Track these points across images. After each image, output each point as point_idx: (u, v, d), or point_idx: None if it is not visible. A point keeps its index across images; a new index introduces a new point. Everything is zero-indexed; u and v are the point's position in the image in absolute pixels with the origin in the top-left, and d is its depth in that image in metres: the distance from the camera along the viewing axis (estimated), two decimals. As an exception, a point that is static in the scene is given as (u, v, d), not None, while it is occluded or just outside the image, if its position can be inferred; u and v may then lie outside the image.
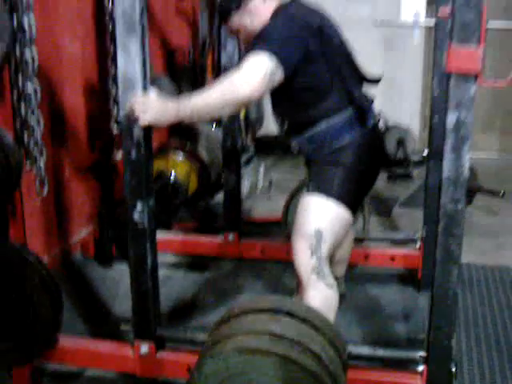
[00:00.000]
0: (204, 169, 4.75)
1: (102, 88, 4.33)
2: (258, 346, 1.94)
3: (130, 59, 2.31)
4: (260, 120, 6.82)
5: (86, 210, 4.30)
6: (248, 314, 2.11)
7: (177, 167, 4.54)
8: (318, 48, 2.57)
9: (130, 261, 2.55)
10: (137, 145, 2.38)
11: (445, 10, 3.19)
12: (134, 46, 2.29)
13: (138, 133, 2.37)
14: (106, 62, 4.22)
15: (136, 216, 2.46)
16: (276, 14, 2.65)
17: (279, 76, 2.44)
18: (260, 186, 5.64)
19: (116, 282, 3.79)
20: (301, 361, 1.91)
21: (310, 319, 2.08)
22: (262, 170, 5.77)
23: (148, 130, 2.40)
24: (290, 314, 2.06)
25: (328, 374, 1.95)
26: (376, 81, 2.83)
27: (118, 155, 4.52)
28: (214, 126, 5.04)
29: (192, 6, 6.04)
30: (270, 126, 6.88)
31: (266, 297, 2.30)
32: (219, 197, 5.08)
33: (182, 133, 4.76)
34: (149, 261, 2.51)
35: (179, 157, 4.61)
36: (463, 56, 1.98)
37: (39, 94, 2.87)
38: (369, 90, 2.84)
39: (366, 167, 2.72)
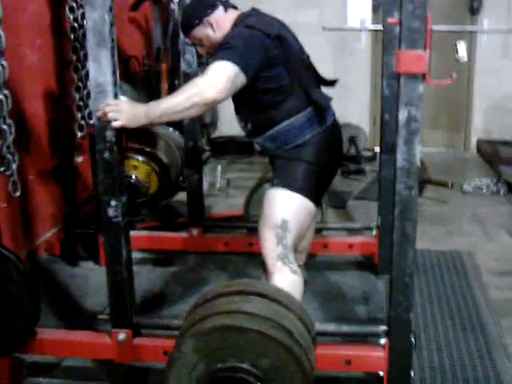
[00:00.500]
0: (164, 169, 4.84)
1: (62, 95, 4.44)
2: (234, 323, 2.09)
3: (101, 69, 2.44)
4: (214, 122, 6.96)
5: (50, 212, 4.39)
6: (222, 297, 2.24)
7: (137, 169, 4.63)
8: (278, 53, 2.75)
9: (105, 253, 2.68)
10: (110, 146, 2.52)
11: (392, 18, 3.38)
12: (105, 57, 2.43)
13: (110, 135, 2.50)
14: (65, 70, 4.32)
15: (110, 212, 2.59)
16: (237, 24, 2.83)
17: (241, 80, 2.62)
18: (218, 185, 5.77)
19: (84, 279, 3.92)
20: (274, 335, 2.06)
21: (280, 298, 2.23)
22: (219, 169, 5.88)
23: (120, 132, 2.53)
24: (260, 295, 2.21)
25: (300, 347, 2.10)
26: (332, 83, 3.03)
27: (79, 158, 4.64)
28: (172, 128, 5.15)
29: (144, 15, 6.15)
30: (224, 127, 7.06)
31: (237, 280, 2.44)
32: (179, 196, 5.24)
33: (141, 136, 4.86)
34: (123, 252, 2.64)
35: (139, 159, 4.72)
36: (411, 59, 2.17)
37: (10, 101, 2.98)
38: (324, 90, 3.02)
39: (326, 161, 2.90)
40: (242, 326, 2.08)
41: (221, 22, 2.87)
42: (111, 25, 2.44)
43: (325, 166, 2.92)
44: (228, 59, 2.59)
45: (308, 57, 2.98)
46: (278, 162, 2.93)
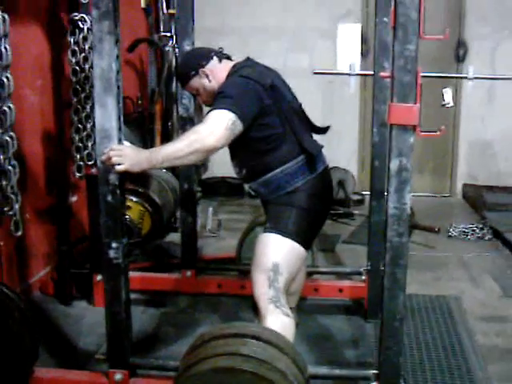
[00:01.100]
0: (157, 210, 4.91)
1: (60, 135, 4.53)
2: (231, 365, 2.17)
3: (106, 114, 2.54)
4: (205, 163, 7.05)
5: (44, 251, 4.44)
6: (218, 339, 2.32)
7: (131, 209, 4.69)
8: (272, 103, 2.86)
9: (105, 294, 2.74)
10: (112, 189, 2.60)
11: (383, 71, 3.49)
12: (111, 103, 2.53)
13: (113, 178, 2.59)
14: (63, 111, 4.41)
15: (111, 253, 2.66)
16: (232, 73, 2.95)
17: (239, 127, 2.72)
18: (209, 227, 5.81)
19: (78, 319, 3.94)
20: (269, 377, 2.15)
21: (274, 341, 2.30)
22: (210, 211, 5.93)
23: (123, 176, 2.62)
24: (255, 337, 2.28)
25: (293, 389, 2.19)
26: (324, 130, 3.14)
27: (73, 198, 4.71)
28: (165, 169, 5.23)
29: (140, 57, 6.28)
30: (215, 168, 7.15)
31: (232, 323, 2.50)
32: (170, 237, 5.30)
33: (135, 177, 4.93)
34: (123, 294, 2.71)
35: (133, 199, 4.78)
36: (403, 111, 2.27)
37: (15, 143, 3.06)
38: (314, 136, 3.12)
39: (317, 207, 2.99)
40: (239, 367, 2.15)
41: (216, 72, 2.99)
42: (117, 72, 2.53)
43: (315, 212, 3.00)
44: (226, 107, 2.69)
45: (300, 105, 3.09)
46: (271, 208, 3.03)
